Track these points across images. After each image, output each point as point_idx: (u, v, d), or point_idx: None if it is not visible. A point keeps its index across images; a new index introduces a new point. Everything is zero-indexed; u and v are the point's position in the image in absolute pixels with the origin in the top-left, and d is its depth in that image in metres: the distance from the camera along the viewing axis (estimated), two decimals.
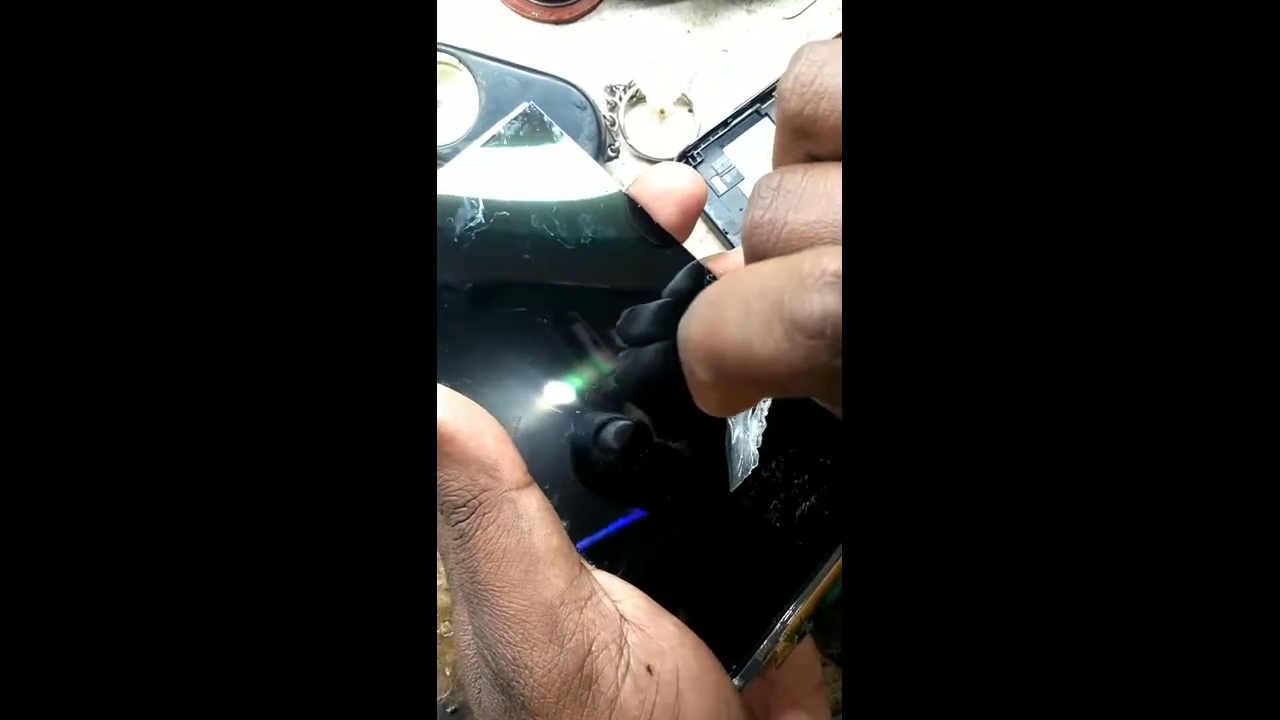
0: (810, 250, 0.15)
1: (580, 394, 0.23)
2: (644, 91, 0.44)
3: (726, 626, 0.22)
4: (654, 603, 0.21)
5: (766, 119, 0.43)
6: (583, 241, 0.24)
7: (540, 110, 0.25)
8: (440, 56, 0.43)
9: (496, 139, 0.25)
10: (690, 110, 0.45)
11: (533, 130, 0.25)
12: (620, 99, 0.44)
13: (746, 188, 0.43)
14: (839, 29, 0.44)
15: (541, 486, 0.21)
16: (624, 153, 0.44)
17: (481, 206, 0.24)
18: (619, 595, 0.21)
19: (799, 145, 0.18)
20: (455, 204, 0.24)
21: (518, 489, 0.20)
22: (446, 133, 0.42)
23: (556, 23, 0.45)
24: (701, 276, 0.24)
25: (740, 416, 0.24)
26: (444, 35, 0.44)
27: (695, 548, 0.23)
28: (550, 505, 0.21)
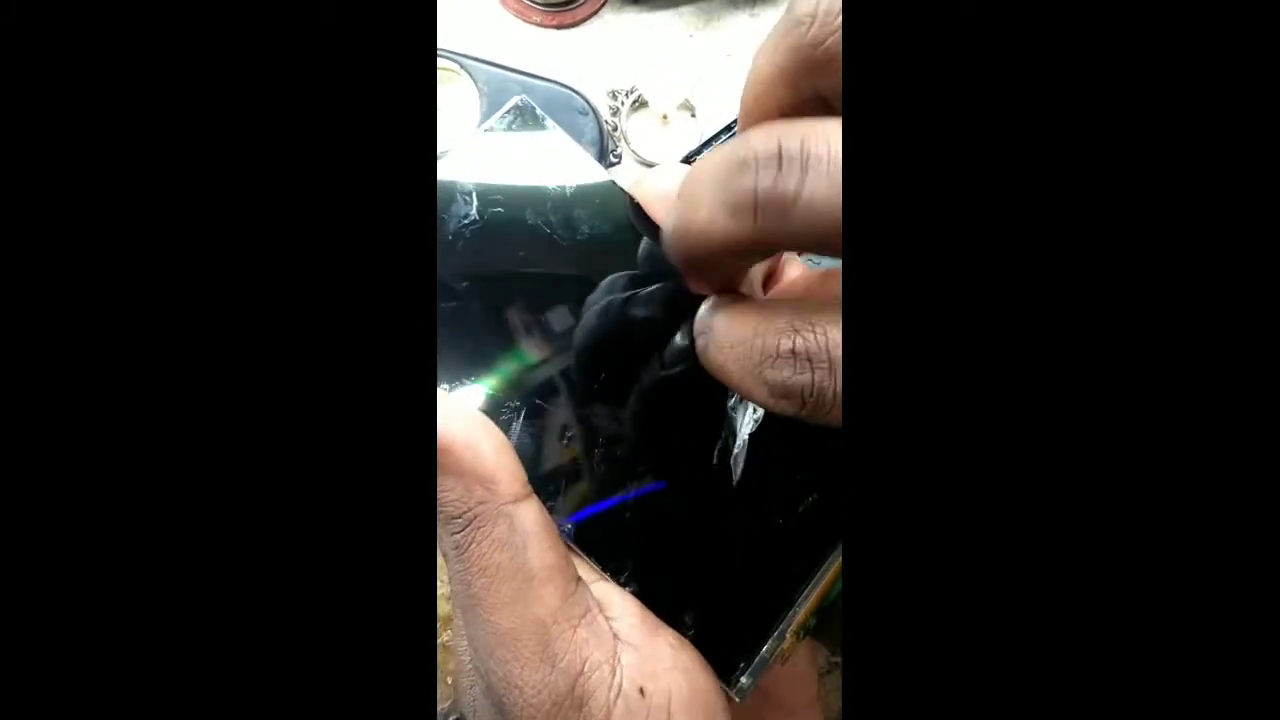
0: (784, 318, 0.16)
1: (577, 384, 0.23)
2: (646, 96, 0.44)
3: (733, 625, 0.22)
4: (652, 618, 0.21)
5: None
6: (579, 237, 0.24)
7: (532, 103, 0.25)
8: (441, 61, 0.43)
9: (489, 132, 0.25)
10: (693, 115, 0.45)
11: (525, 124, 0.25)
12: (622, 104, 0.44)
13: None
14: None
15: (544, 489, 0.21)
16: (626, 158, 0.44)
17: (475, 202, 0.24)
18: (616, 612, 0.21)
19: (804, 82, 0.16)
20: (449, 200, 0.24)
21: (515, 502, 0.20)
22: (448, 138, 0.42)
23: (558, 27, 0.45)
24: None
25: (740, 409, 0.23)
26: (445, 40, 0.43)
27: (701, 546, 0.23)
28: (548, 518, 0.20)
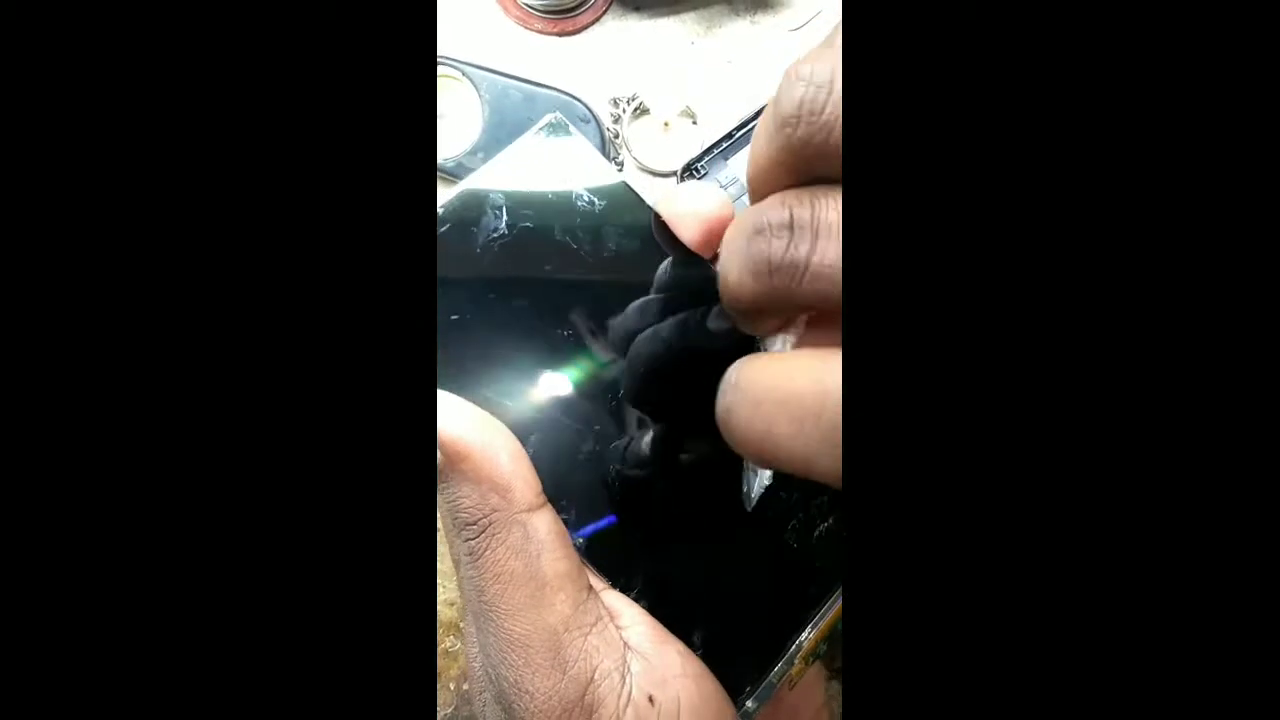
0: (777, 196, 0.17)
1: (596, 400, 0.23)
2: (647, 104, 0.44)
3: (742, 648, 0.22)
4: (661, 628, 0.21)
5: None
6: (605, 254, 0.24)
7: (565, 120, 0.25)
8: (443, 69, 0.43)
9: (522, 146, 0.25)
10: (694, 122, 0.45)
11: (558, 139, 0.25)
12: (624, 111, 0.44)
13: None
14: None
15: (558, 502, 0.21)
16: (628, 165, 0.44)
17: (505, 216, 0.24)
18: (626, 621, 0.21)
19: (801, 171, 0.17)
20: (479, 213, 0.24)
21: (529, 510, 0.20)
22: (450, 146, 0.42)
23: (560, 35, 0.45)
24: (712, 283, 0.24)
25: None
26: (447, 48, 0.44)
27: (712, 568, 0.23)
28: (563, 528, 0.21)
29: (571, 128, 0.25)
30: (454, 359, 0.22)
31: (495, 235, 0.24)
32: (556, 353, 0.23)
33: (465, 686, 0.38)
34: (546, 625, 0.19)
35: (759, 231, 0.17)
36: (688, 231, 0.24)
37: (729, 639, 0.22)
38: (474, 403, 0.21)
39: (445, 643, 0.39)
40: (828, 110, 0.16)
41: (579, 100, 0.43)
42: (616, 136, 0.44)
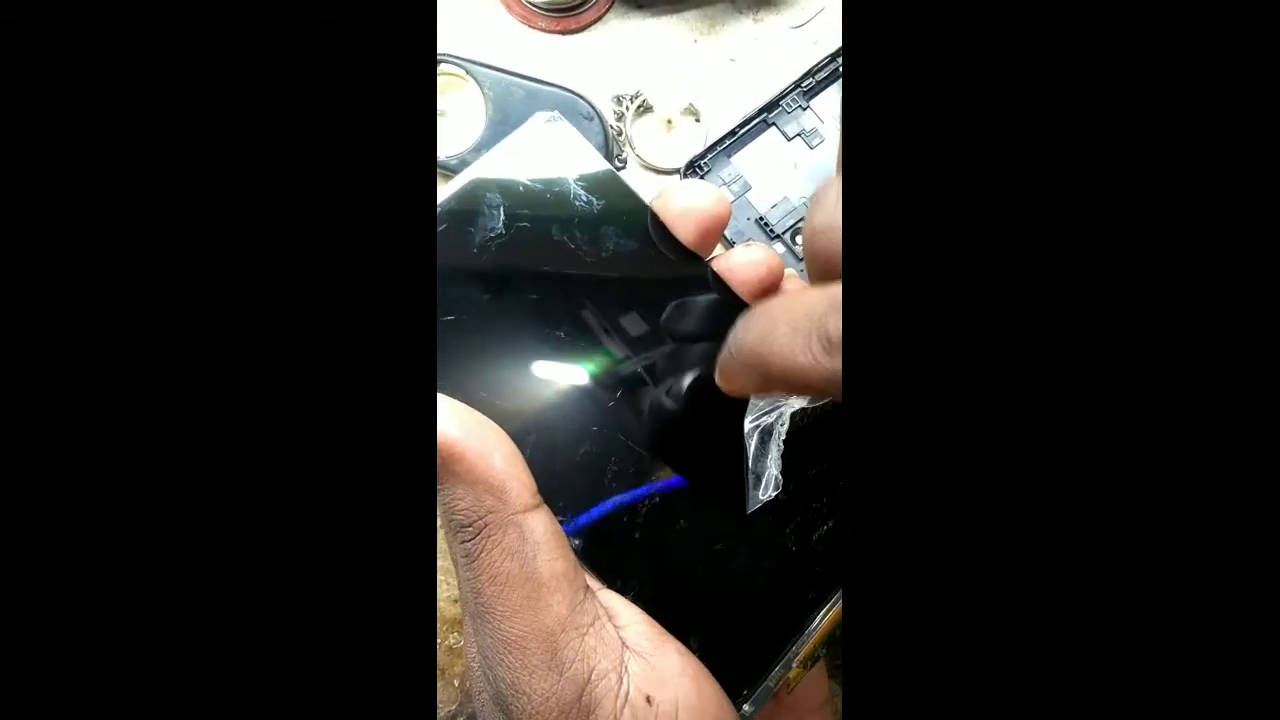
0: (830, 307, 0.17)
1: (593, 400, 0.23)
2: (651, 101, 0.44)
3: (740, 651, 0.22)
4: (659, 628, 0.21)
5: (774, 128, 0.43)
6: (603, 253, 0.24)
7: (561, 116, 0.25)
8: (447, 67, 0.43)
9: (517, 144, 0.25)
10: (697, 120, 0.45)
11: (554, 136, 0.25)
12: (627, 109, 0.44)
13: (754, 197, 0.43)
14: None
15: (555, 503, 0.21)
16: (631, 163, 0.44)
17: (502, 216, 0.24)
18: (623, 621, 0.21)
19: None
20: (476, 213, 0.24)
21: (525, 511, 0.20)
22: (454, 144, 0.42)
23: (563, 33, 0.45)
24: (708, 280, 0.25)
25: (759, 439, 0.24)
26: (450, 46, 0.44)
27: (710, 570, 0.23)
28: (558, 527, 0.21)
29: (566, 123, 0.25)
30: (450, 359, 0.22)
31: (492, 235, 0.24)
32: (553, 353, 0.23)
33: (470, 687, 0.39)
34: (543, 626, 0.19)
35: (813, 203, 0.18)
36: (684, 230, 0.24)
37: (726, 641, 0.22)
38: (469, 404, 0.21)
39: (449, 639, 0.39)
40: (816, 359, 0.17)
41: (582, 98, 0.43)
42: (620, 134, 0.44)
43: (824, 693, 0.27)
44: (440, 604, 0.39)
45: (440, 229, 0.23)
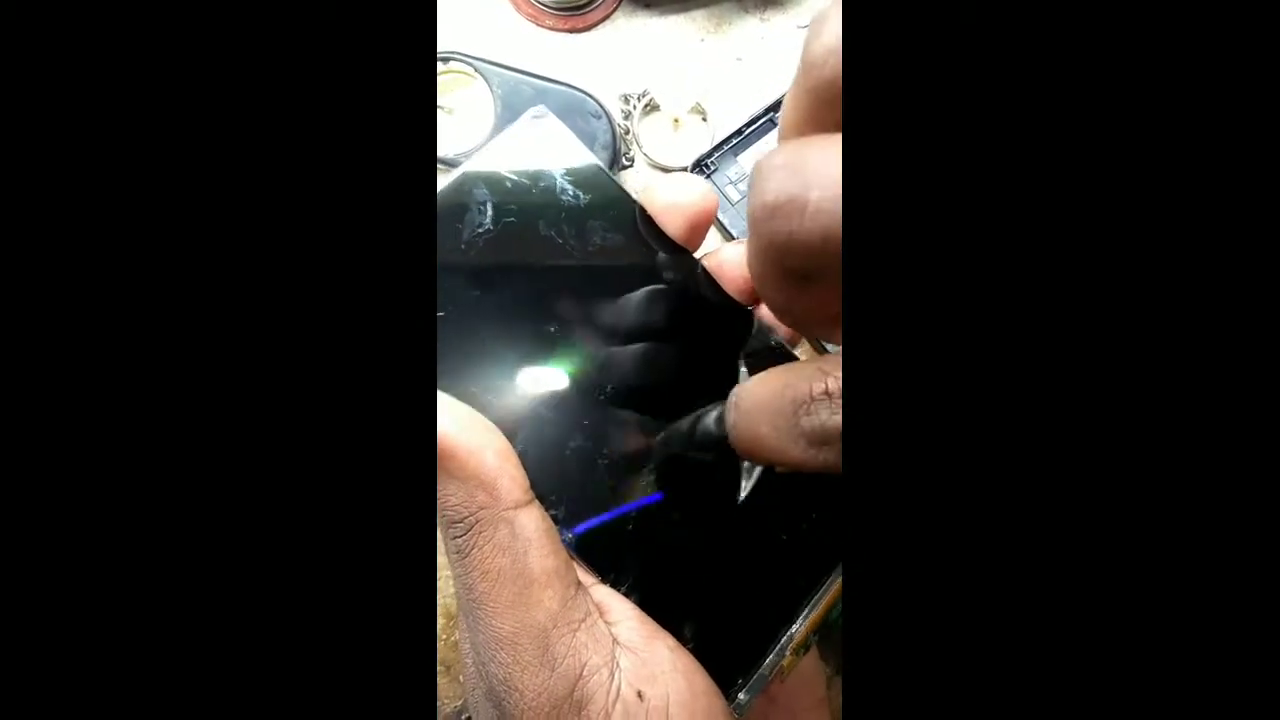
0: (811, 366, 0.18)
1: (583, 395, 0.23)
2: (658, 100, 0.45)
3: (733, 640, 0.22)
4: (651, 623, 0.21)
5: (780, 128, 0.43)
6: (590, 248, 0.24)
7: (548, 111, 0.25)
8: (455, 65, 0.43)
9: (506, 140, 0.25)
10: (704, 119, 0.45)
11: (543, 131, 0.25)
12: (634, 108, 0.44)
13: None
14: None
15: (546, 498, 0.21)
16: (638, 161, 0.44)
17: (490, 212, 0.24)
18: (615, 616, 0.21)
19: (827, 116, 0.16)
20: (463, 209, 0.24)
21: (516, 507, 0.20)
22: (462, 141, 0.43)
23: (571, 31, 0.46)
24: (692, 269, 0.25)
25: None
26: (459, 44, 0.44)
27: (702, 560, 0.23)
28: (550, 524, 0.21)
29: (553, 118, 0.25)
30: (439, 355, 0.22)
31: (480, 230, 0.24)
32: (542, 348, 0.23)
33: (465, 683, 0.39)
34: (534, 622, 0.19)
35: (804, 406, 0.18)
36: (672, 224, 0.24)
37: (720, 632, 0.22)
38: (459, 399, 0.21)
39: (453, 636, 0.39)
40: (804, 199, 0.15)
41: (590, 96, 0.43)
42: (628, 133, 0.44)
43: (819, 692, 0.27)
44: (447, 600, 0.39)
45: None
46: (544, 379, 0.23)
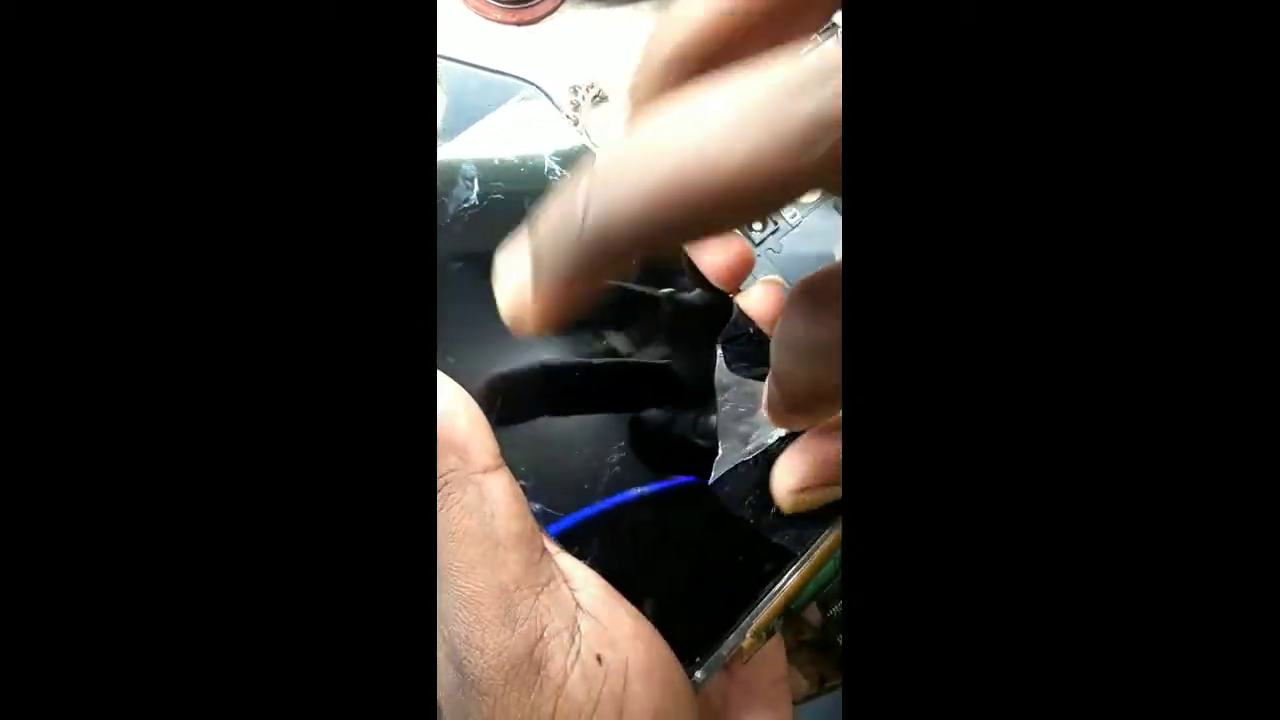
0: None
1: (560, 372, 0.23)
2: (607, 92, 0.45)
3: (692, 618, 0.22)
4: (614, 592, 0.22)
5: None
6: None
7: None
8: None
9: (495, 118, 0.25)
10: None
11: (534, 112, 0.25)
12: (583, 99, 0.44)
13: None
14: None
15: (517, 469, 0.21)
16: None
17: (476, 187, 0.24)
18: (578, 583, 0.21)
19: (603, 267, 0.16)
20: (450, 183, 0.24)
21: (485, 472, 0.20)
22: None
23: (518, 24, 0.45)
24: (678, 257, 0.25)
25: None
26: None
27: (667, 537, 0.23)
28: (519, 490, 0.21)
29: (544, 99, 0.25)
30: None
31: (466, 206, 0.24)
32: None
33: None
34: (498, 583, 0.19)
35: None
36: (715, 277, 0.25)
37: (680, 609, 0.22)
38: (436, 367, 0.21)
39: None
40: None
41: (538, 88, 0.43)
42: (576, 124, 0.44)
43: (779, 670, 0.27)
44: None
45: None
46: (521, 355, 0.23)
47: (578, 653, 0.20)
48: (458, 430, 0.20)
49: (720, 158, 0.12)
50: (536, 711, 0.19)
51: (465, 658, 0.19)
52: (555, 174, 0.25)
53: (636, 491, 0.23)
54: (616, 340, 0.24)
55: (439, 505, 0.20)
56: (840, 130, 0.12)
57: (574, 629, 0.20)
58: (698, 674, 0.22)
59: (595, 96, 0.44)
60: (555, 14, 0.46)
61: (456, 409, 0.21)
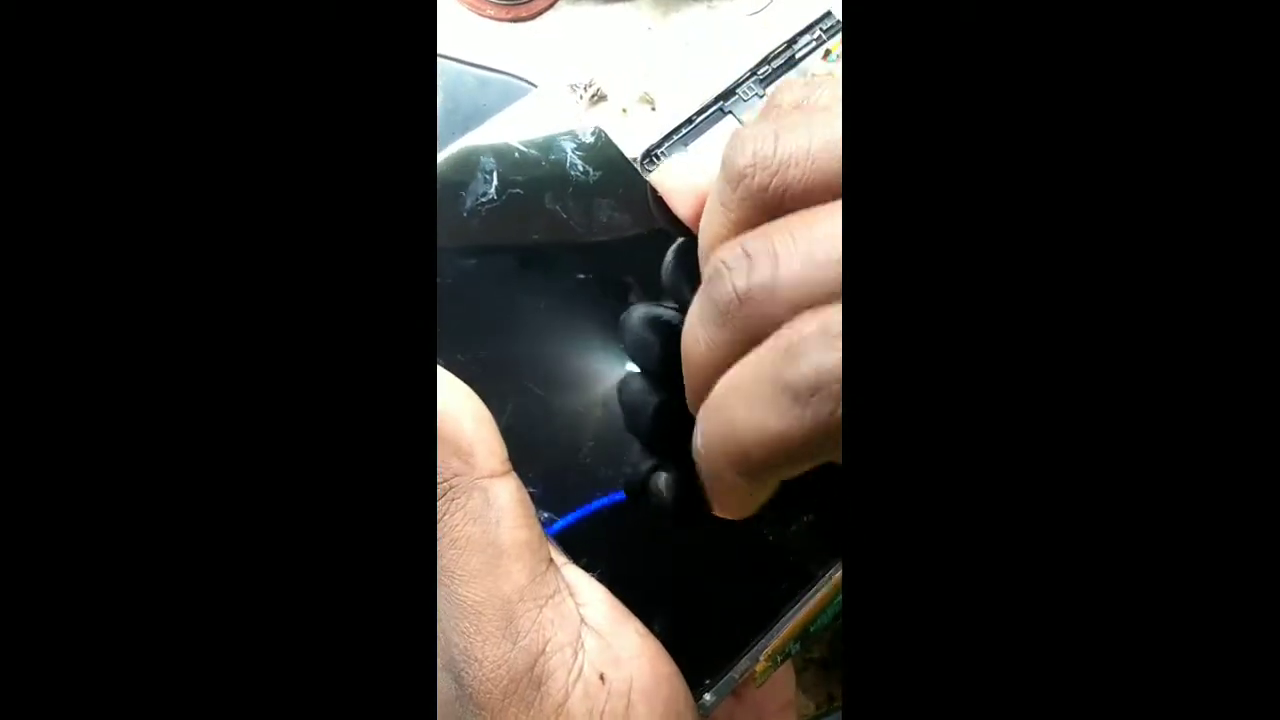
0: (787, 325, 0.15)
1: (574, 375, 0.23)
2: (605, 90, 0.44)
3: (705, 639, 0.21)
4: (622, 609, 0.21)
5: (730, 116, 0.43)
6: (595, 225, 0.24)
7: (603, 132, 0.25)
8: None
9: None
10: (653, 108, 0.44)
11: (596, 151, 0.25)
12: (581, 97, 0.43)
13: None
14: (800, 25, 0.44)
15: (526, 474, 0.21)
16: None
17: (495, 181, 0.23)
18: (585, 598, 0.20)
19: (765, 220, 0.17)
20: (469, 177, 0.23)
21: (492, 477, 0.19)
22: None
23: (514, 20, 0.44)
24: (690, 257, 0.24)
25: None
26: None
27: (681, 554, 0.22)
28: (526, 496, 0.20)
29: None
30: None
31: (484, 200, 0.23)
32: (536, 323, 0.23)
33: None
34: (500, 593, 0.19)
35: (713, 277, 0.16)
36: (682, 206, 0.24)
37: (691, 628, 0.21)
38: (446, 367, 0.21)
39: None
40: (780, 151, 0.16)
41: (535, 86, 0.42)
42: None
43: (788, 694, 0.26)
44: None
45: None
46: (535, 356, 0.22)
47: (580, 670, 0.19)
48: (463, 433, 0.20)
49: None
50: None
51: (464, 669, 0.19)
52: (577, 169, 0.24)
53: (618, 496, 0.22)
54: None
55: (443, 510, 0.19)
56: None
57: (578, 645, 0.19)
58: (707, 696, 0.21)
59: (594, 95, 0.43)
60: (551, 11, 0.45)
61: (463, 410, 0.20)
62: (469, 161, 0.24)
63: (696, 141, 0.43)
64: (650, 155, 0.42)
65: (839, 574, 0.22)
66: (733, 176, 0.17)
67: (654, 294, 0.23)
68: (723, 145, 0.18)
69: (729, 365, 0.16)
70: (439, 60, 0.42)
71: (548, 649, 0.19)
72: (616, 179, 0.24)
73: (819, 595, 0.22)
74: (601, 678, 0.19)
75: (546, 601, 0.19)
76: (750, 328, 0.16)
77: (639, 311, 0.22)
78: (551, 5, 0.45)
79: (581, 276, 0.23)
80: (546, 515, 0.21)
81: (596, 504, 0.22)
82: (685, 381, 0.17)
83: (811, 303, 0.15)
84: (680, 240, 0.22)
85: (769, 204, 0.17)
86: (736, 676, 0.21)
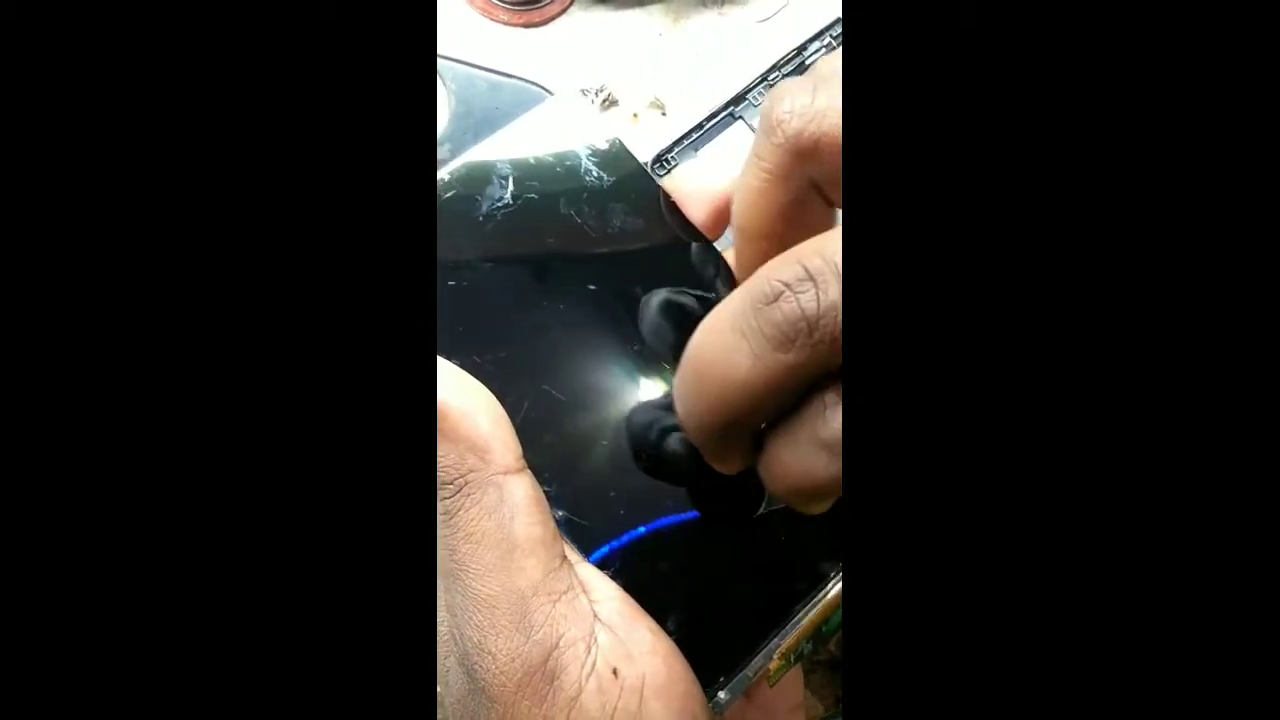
0: (766, 265, 0.16)
1: (590, 376, 0.23)
2: (616, 95, 0.44)
3: (719, 637, 0.21)
4: (635, 606, 0.21)
5: (740, 122, 0.43)
6: (610, 231, 0.24)
7: (620, 141, 0.25)
8: None
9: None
10: (663, 114, 0.44)
11: (613, 159, 0.25)
12: (592, 103, 0.43)
13: None
14: (810, 32, 0.44)
15: (541, 473, 0.21)
16: None
17: (510, 186, 0.24)
18: (599, 595, 0.21)
19: (800, 171, 0.18)
20: (484, 181, 0.24)
21: (506, 473, 0.20)
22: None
23: (526, 26, 0.45)
24: (716, 265, 0.24)
25: None
26: None
27: (695, 553, 0.22)
28: (540, 494, 0.20)
29: (582, 100, 0.25)
30: (446, 323, 0.22)
31: (499, 205, 0.24)
32: (549, 324, 0.23)
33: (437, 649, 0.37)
34: (514, 588, 0.19)
35: (774, 294, 0.15)
36: (696, 211, 0.24)
37: (705, 627, 0.21)
38: (462, 367, 0.21)
39: None
40: (818, 101, 0.17)
41: (547, 91, 0.42)
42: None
43: (796, 697, 0.26)
44: None
45: (447, 196, 0.23)
46: (551, 357, 0.23)
47: (593, 665, 0.19)
48: (478, 429, 0.20)
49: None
50: None
51: (477, 663, 0.19)
52: (592, 174, 0.24)
53: (679, 517, 0.22)
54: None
55: (459, 505, 0.19)
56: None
57: (591, 640, 0.19)
58: (720, 694, 0.21)
59: (605, 100, 0.44)
60: (564, 17, 0.45)
61: (477, 407, 0.20)
62: (485, 166, 0.24)
63: (707, 147, 0.43)
64: (661, 160, 0.42)
65: None
66: (770, 125, 0.17)
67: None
68: (733, 151, 0.18)
69: (790, 387, 0.16)
70: (453, 65, 0.42)
71: (561, 643, 0.19)
72: (630, 184, 0.24)
73: (831, 594, 0.22)
74: (615, 673, 0.19)
75: (560, 597, 0.19)
76: (817, 356, 0.15)
77: (659, 297, 0.23)
78: (563, 11, 0.45)
79: (594, 282, 0.23)
80: (561, 514, 0.21)
81: (667, 520, 0.22)
82: (707, 388, 0.17)
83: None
84: (666, 299, 0.23)
85: (803, 150, 0.17)
86: (751, 674, 0.21)
